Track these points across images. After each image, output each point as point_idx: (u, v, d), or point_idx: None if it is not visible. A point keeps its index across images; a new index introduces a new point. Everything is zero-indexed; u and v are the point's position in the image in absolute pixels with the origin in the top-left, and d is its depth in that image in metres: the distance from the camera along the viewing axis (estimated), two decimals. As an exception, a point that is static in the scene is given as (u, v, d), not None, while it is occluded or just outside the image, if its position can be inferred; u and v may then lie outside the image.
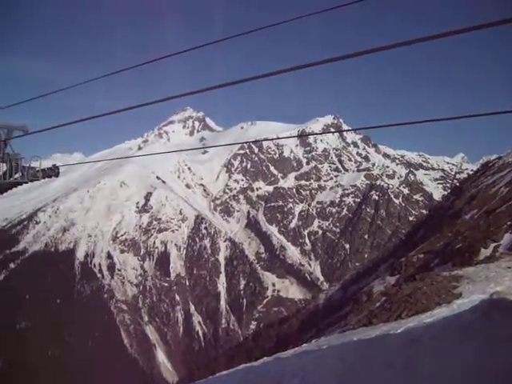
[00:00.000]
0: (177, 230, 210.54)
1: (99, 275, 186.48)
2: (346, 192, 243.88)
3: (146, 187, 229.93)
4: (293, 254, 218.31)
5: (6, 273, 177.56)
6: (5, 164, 19.36)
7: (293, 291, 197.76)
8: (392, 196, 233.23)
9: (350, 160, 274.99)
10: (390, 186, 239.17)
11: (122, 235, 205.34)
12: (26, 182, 19.92)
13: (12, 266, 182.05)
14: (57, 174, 20.14)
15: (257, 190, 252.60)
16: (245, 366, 14.33)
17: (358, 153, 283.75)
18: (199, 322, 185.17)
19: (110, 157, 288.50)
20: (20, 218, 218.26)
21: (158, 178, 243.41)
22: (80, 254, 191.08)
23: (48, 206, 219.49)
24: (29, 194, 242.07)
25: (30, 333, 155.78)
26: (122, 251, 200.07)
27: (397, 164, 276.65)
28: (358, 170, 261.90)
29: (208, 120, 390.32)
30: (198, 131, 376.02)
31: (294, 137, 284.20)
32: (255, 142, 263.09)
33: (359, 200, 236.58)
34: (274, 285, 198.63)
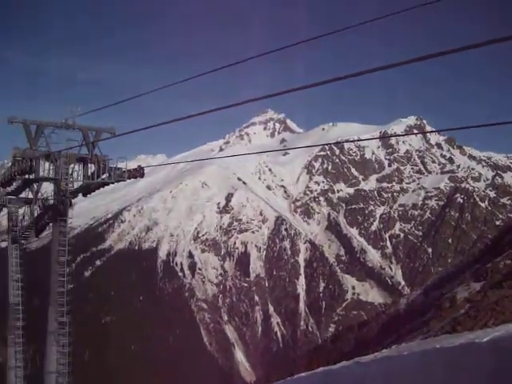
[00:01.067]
0: (257, 231, 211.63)
1: (180, 274, 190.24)
2: (429, 195, 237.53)
3: (227, 188, 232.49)
4: (373, 257, 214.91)
5: (92, 269, 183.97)
6: (93, 165, 20.13)
7: (373, 295, 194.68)
8: (477, 199, 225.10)
9: (433, 162, 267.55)
10: (476, 189, 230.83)
11: (203, 235, 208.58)
12: (113, 183, 20.63)
13: (98, 263, 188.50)
14: (142, 175, 20.71)
15: (338, 192, 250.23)
16: (323, 369, 14.19)
17: (441, 154, 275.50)
18: (278, 323, 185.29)
19: (192, 158, 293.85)
20: (106, 216, 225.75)
21: (239, 179, 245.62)
22: (162, 253, 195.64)
23: (132, 205, 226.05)
24: (115, 193, 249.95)
25: (113, 327, 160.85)
26: (203, 251, 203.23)
27: (483, 166, 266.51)
28: (442, 173, 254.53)
29: (289, 122, 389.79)
30: (278, 133, 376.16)
31: (375, 138, 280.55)
32: (336, 143, 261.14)
33: (443, 203, 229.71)
34: (353, 288, 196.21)
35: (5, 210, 27.01)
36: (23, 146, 20.00)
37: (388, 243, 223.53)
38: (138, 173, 20.68)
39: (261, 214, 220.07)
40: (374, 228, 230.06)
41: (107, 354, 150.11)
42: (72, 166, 19.82)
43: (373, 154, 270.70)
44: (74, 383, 20.48)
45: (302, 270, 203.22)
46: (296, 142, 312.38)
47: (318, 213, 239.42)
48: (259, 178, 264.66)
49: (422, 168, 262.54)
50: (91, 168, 20.19)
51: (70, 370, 20.18)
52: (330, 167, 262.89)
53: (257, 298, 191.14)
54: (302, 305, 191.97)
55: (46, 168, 19.56)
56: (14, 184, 22.91)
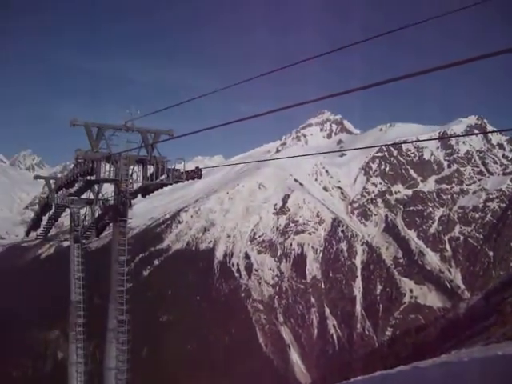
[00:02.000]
0: (314, 232, 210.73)
1: (237, 275, 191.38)
2: (491, 197, 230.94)
3: (284, 189, 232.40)
4: (432, 260, 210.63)
5: (150, 269, 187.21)
6: (152, 166, 20.49)
7: (431, 299, 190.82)
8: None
9: (495, 163, 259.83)
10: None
11: (259, 236, 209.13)
12: (171, 184, 20.95)
13: (156, 262, 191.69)
14: (199, 176, 20.94)
15: (395, 193, 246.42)
16: (380, 373, 14.04)
17: (504, 155, 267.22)
18: (334, 326, 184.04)
19: (249, 159, 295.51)
20: (164, 217, 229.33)
21: (295, 180, 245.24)
22: (219, 254, 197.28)
23: (190, 206, 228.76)
24: (172, 194, 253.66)
25: (170, 326, 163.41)
26: (260, 252, 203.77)
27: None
28: (504, 174, 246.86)
29: (346, 122, 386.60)
30: (335, 134, 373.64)
31: (435, 139, 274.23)
32: (394, 144, 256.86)
33: (505, 205, 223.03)
34: (411, 291, 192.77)
35: (67, 211, 27.83)
36: (85, 148, 20.53)
37: (447, 246, 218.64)
38: (196, 174, 20.92)
39: (317, 215, 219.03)
40: (432, 230, 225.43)
41: (164, 353, 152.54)
42: (131, 167, 20.24)
43: (432, 154, 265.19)
44: (132, 380, 20.88)
45: (358, 273, 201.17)
46: (353, 143, 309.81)
47: (376, 214, 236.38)
48: (316, 180, 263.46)
49: (483, 169, 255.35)
50: (150, 169, 20.56)
51: (129, 366, 20.59)
52: (387, 168, 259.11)
53: (313, 299, 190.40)
54: (358, 307, 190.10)
55: (106, 169, 20.03)
56: (76, 185, 23.57)
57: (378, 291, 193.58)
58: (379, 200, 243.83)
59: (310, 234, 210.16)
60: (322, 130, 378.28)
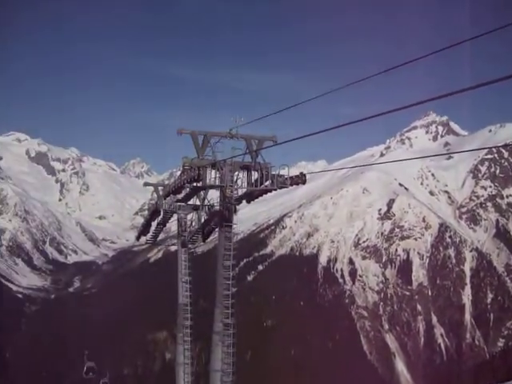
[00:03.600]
0: (419, 238, 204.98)
1: (341, 280, 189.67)
2: None
3: (389, 194, 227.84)
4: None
5: (254, 274, 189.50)
6: (256, 172, 20.72)
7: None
8: None
9: None
10: None
11: (363, 242, 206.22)
12: (275, 189, 21.07)
13: (260, 267, 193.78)
14: (304, 182, 20.93)
15: (507, 197, 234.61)
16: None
17: None
18: (441, 335, 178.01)
19: (352, 164, 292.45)
20: (268, 222, 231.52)
21: (400, 184, 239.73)
22: (323, 259, 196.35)
23: (294, 211, 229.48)
24: (276, 200, 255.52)
25: (274, 331, 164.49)
26: (364, 258, 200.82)
27: None
28: None
29: (452, 124, 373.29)
30: (441, 136, 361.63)
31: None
32: (505, 146, 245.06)
33: None
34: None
35: (175, 216, 28.71)
36: (191, 155, 21.08)
37: None
38: (300, 179, 20.94)
39: (423, 220, 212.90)
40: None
41: (268, 357, 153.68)
42: (236, 173, 20.56)
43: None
44: (237, 382, 21.16)
45: (467, 280, 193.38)
46: (460, 145, 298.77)
47: (486, 219, 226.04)
48: (421, 184, 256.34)
49: None
50: (254, 175, 20.79)
51: (234, 369, 20.88)
52: (497, 171, 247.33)
53: (419, 307, 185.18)
54: (467, 316, 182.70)
55: (212, 176, 20.47)
56: (183, 192, 24.26)
57: (489, 300, 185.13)
58: (489, 204, 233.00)
59: (415, 239, 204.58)
60: (427, 132, 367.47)
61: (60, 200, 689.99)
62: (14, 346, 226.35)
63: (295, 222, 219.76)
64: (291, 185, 21.01)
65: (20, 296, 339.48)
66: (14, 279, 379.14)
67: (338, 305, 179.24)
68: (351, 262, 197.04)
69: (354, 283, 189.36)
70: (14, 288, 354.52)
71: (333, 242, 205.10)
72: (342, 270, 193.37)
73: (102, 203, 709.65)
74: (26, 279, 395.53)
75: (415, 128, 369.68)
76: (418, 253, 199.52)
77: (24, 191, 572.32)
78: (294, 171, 21.89)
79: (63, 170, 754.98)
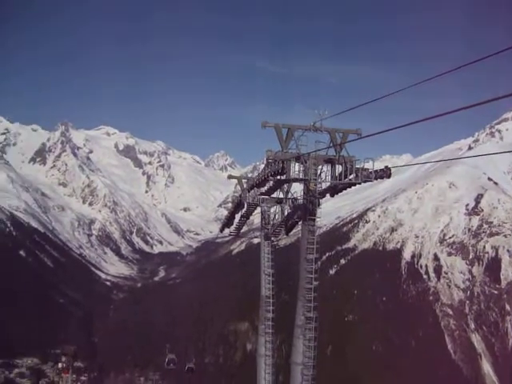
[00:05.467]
0: (510, 234, 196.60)
1: (425, 277, 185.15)
2: None
3: (477, 189, 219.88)
4: None
5: (337, 268, 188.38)
6: (340, 166, 20.57)
7: None
8: None
9: None
10: None
11: (449, 238, 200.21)
12: (360, 183, 20.86)
13: (342, 261, 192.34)
14: (389, 176, 20.60)
15: None
16: None
17: None
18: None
19: (438, 158, 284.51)
20: (351, 216, 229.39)
21: (489, 179, 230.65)
22: (407, 255, 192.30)
23: (377, 206, 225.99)
24: (359, 194, 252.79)
25: (356, 326, 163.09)
26: (449, 254, 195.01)
27: None
28: None
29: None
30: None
31: None
32: None
33: None
34: None
35: (258, 209, 28.93)
36: (275, 148, 21.16)
37: None
38: (385, 173, 20.60)
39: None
40: None
41: (348, 352, 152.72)
42: (320, 167, 20.47)
43: None
44: (317, 376, 21.13)
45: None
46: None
47: None
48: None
49: None
50: (338, 169, 20.64)
51: (315, 363, 20.86)
52: None
53: (508, 307, 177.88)
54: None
55: (296, 169, 20.47)
56: (267, 185, 24.41)
57: None
58: None
59: (505, 236, 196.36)
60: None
61: (146, 192, 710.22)
62: (103, 332, 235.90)
63: (379, 216, 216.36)
64: (376, 178, 20.72)
65: (108, 284, 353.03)
66: (102, 267, 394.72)
67: (421, 302, 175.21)
68: (436, 258, 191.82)
69: (438, 280, 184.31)
70: (103, 276, 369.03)
71: (417, 237, 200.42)
72: (426, 266, 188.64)
73: (186, 195, 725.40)
74: (114, 268, 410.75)
75: (506, 120, 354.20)
76: (508, 250, 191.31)
77: (113, 183, 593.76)
78: (378, 165, 21.52)
79: (150, 163, 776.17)
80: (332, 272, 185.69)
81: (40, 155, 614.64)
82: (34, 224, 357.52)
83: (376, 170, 20.59)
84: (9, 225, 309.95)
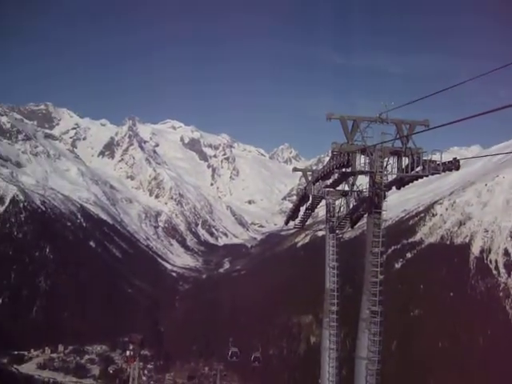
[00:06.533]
0: None
1: (495, 272, 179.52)
2: None
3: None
4: None
5: (402, 261, 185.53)
6: (407, 158, 20.24)
7: None
8: None
9: None
10: None
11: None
12: (427, 175, 20.46)
13: (408, 255, 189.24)
14: (457, 168, 20.16)
15: None
16: None
17: None
18: None
19: (510, 149, 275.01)
20: (417, 209, 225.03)
21: None
22: (475, 249, 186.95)
23: (445, 198, 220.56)
24: (425, 186, 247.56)
25: (421, 321, 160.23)
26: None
27: None
28: None
29: None
30: None
31: None
32: None
33: None
34: None
35: (323, 202, 28.82)
36: (340, 140, 21.03)
37: None
38: (454, 165, 20.14)
39: None
40: None
41: (414, 348, 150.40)
42: (386, 159, 20.21)
43: None
44: (382, 371, 20.93)
45: None
46: None
47: None
48: None
49: None
50: (405, 161, 20.33)
51: (380, 358, 20.67)
52: None
53: None
54: None
55: (361, 162, 20.30)
56: (332, 177, 24.29)
57: None
58: None
59: None
60: None
61: (212, 184, 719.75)
62: (169, 321, 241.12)
63: (446, 209, 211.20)
64: (444, 171, 20.31)
65: (174, 275, 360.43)
66: (169, 259, 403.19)
67: (490, 298, 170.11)
68: (507, 253, 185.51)
69: (509, 276, 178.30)
70: (169, 267, 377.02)
71: (487, 231, 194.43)
72: (496, 261, 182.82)
73: (251, 188, 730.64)
74: (179, 259, 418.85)
75: None
76: None
77: (178, 176, 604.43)
78: (446, 157, 21.04)
79: (215, 156, 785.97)
80: (398, 266, 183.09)
81: (108, 149, 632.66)
82: (103, 216, 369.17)
83: (444, 162, 20.17)
84: (79, 216, 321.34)
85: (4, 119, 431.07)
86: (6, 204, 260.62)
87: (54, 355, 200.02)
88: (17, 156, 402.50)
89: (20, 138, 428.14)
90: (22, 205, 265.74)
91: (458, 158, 20.30)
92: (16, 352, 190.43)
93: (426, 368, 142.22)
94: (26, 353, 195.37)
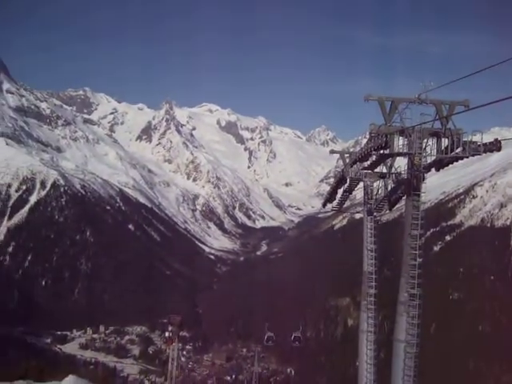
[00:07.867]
0: None
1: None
2: None
3: None
4: None
5: (441, 244, 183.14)
6: (447, 139, 19.92)
7: None
8: None
9: None
10: None
11: None
12: (467, 157, 20.13)
13: (448, 238, 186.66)
14: (499, 149, 19.77)
15: None
16: None
17: None
18: None
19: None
20: (457, 191, 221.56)
21: None
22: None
23: (485, 180, 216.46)
24: (466, 168, 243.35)
25: (461, 305, 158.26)
26: None
27: None
28: None
29: None
30: None
31: None
32: None
33: None
34: None
35: (361, 184, 28.61)
36: (379, 122, 20.81)
37: None
38: (495, 146, 19.72)
39: None
40: None
41: (453, 331, 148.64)
42: (425, 140, 19.94)
43: None
44: (421, 354, 20.84)
45: None
46: None
47: None
48: None
49: None
50: (444, 142, 20.02)
51: (418, 341, 20.58)
52: None
53: None
54: None
55: (399, 143, 20.07)
56: (370, 159, 24.09)
57: None
58: None
59: None
60: None
61: (248, 167, 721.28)
62: (207, 303, 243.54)
63: (487, 191, 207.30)
64: (484, 152, 19.93)
65: (212, 257, 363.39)
66: (206, 241, 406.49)
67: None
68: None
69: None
70: (207, 250, 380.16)
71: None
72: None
73: (288, 170, 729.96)
74: (217, 242, 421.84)
75: None
76: None
77: (215, 159, 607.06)
78: (487, 138, 20.63)
79: (251, 139, 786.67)
80: (436, 249, 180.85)
81: (146, 133, 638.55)
82: (142, 199, 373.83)
83: (485, 143, 19.79)
84: (118, 200, 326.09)
85: (44, 105, 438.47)
86: (48, 188, 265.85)
87: (96, 336, 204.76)
88: (57, 141, 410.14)
89: (60, 124, 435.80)
90: (62, 189, 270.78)
91: (500, 138, 19.89)
92: (59, 332, 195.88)
93: (465, 352, 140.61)
94: (68, 333, 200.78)
